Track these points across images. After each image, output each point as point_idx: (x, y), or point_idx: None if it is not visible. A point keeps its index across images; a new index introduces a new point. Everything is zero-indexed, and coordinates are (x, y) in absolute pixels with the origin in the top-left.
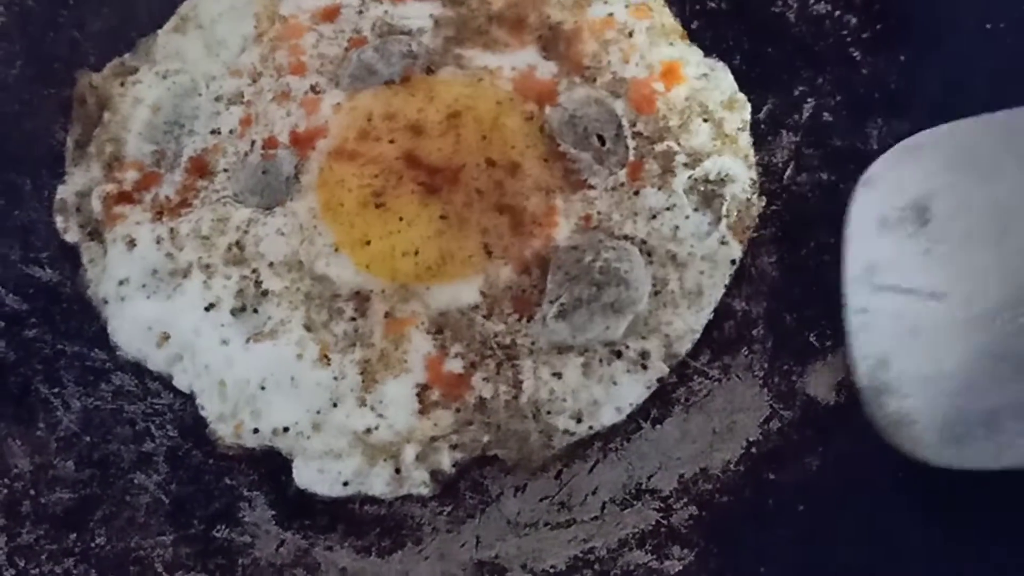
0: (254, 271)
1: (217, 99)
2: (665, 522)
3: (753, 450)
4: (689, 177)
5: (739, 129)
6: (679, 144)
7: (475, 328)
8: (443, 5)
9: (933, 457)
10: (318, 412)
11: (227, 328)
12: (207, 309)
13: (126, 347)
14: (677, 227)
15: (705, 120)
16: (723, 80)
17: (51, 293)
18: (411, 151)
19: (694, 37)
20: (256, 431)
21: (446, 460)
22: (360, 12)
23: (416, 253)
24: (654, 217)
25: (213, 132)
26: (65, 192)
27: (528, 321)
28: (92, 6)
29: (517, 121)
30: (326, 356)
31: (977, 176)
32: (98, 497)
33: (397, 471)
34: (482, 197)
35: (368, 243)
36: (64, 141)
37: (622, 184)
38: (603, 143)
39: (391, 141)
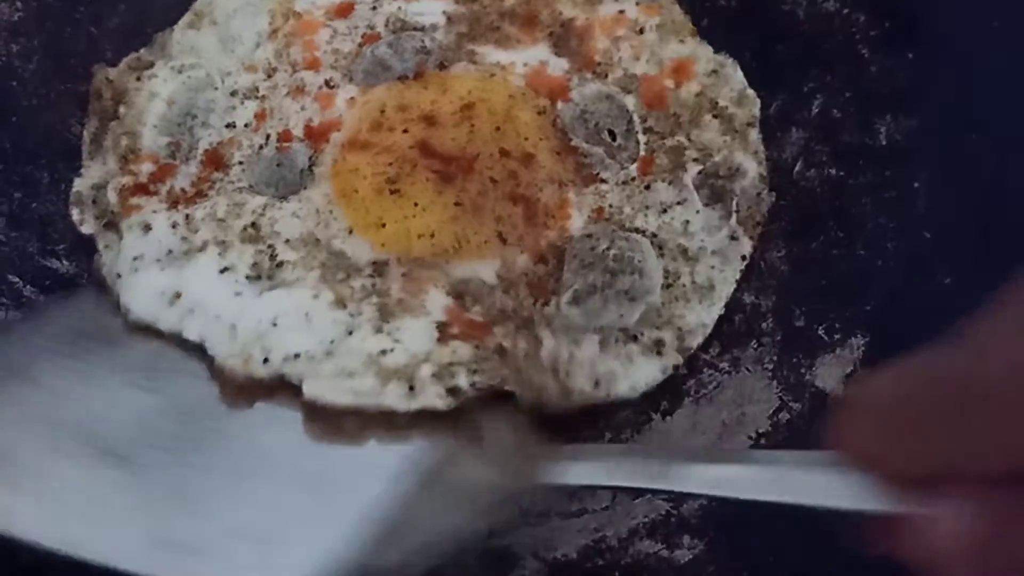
0: (270, 246)
1: (232, 94)
2: (675, 512)
3: (762, 442)
4: (699, 172)
5: (749, 124)
6: (689, 139)
7: (495, 296)
8: (456, 2)
9: None
10: (332, 342)
11: (241, 285)
12: (222, 271)
13: (137, 311)
14: (688, 221)
15: (715, 116)
16: (733, 76)
17: (68, 284)
18: (425, 140)
19: (704, 34)
20: (266, 361)
21: (464, 380)
22: (374, 8)
23: (432, 235)
24: (665, 211)
25: (228, 126)
26: (81, 185)
27: (544, 307)
28: (109, 2)
29: (530, 114)
30: (343, 302)
31: None
32: None
33: (411, 389)
34: (496, 186)
35: (384, 225)
36: (80, 135)
37: (633, 178)
38: (614, 138)
39: (405, 131)
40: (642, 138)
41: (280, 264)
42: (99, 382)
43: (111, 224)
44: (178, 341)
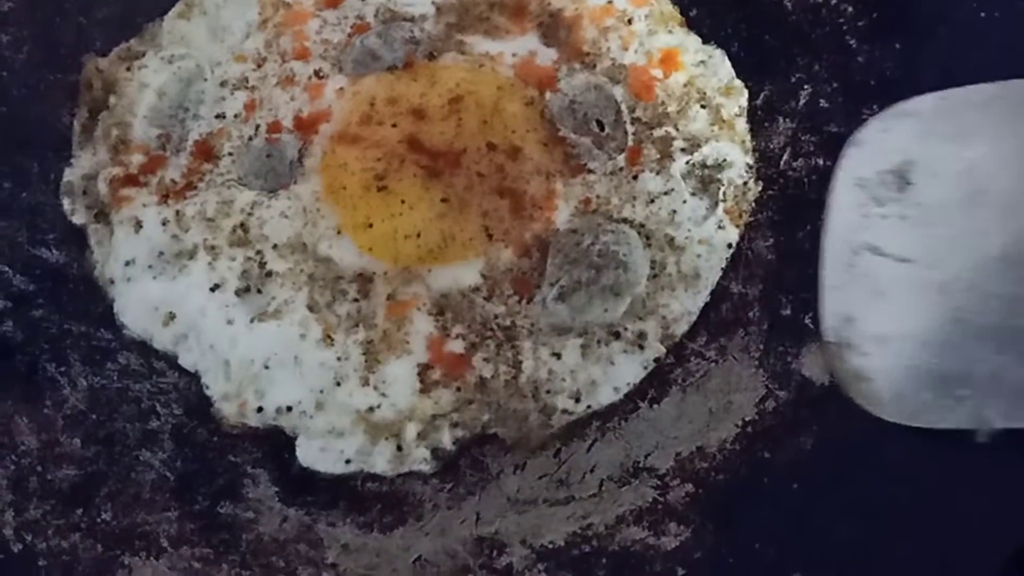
0: (258, 252)
1: (222, 84)
2: (662, 499)
3: (749, 429)
4: (687, 162)
5: (736, 115)
6: (677, 129)
7: (476, 309)
8: None
9: (884, 413)
10: (321, 391)
11: (232, 308)
12: (212, 289)
13: (132, 326)
14: (675, 211)
15: (703, 106)
16: (721, 67)
17: (58, 274)
18: (413, 135)
19: (692, 24)
20: (260, 410)
21: (447, 438)
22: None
23: (418, 236)
24: (652, 201)
25: (218, 116)
26: (72, 175)
27: (528, 303)
28: None
29: (518, 106)
30: (330, 336)
31: (957, 143)
32: (104, 474)
33: (399, 449)
34: (483, 180)
35: (370, 225)
36: (71, 125)
37: (621, 169)
38: (602, 128)
39: (394, 125)
40: (630, 128)
41: (269, 273)
42: None
43: (102, 214)
44: None
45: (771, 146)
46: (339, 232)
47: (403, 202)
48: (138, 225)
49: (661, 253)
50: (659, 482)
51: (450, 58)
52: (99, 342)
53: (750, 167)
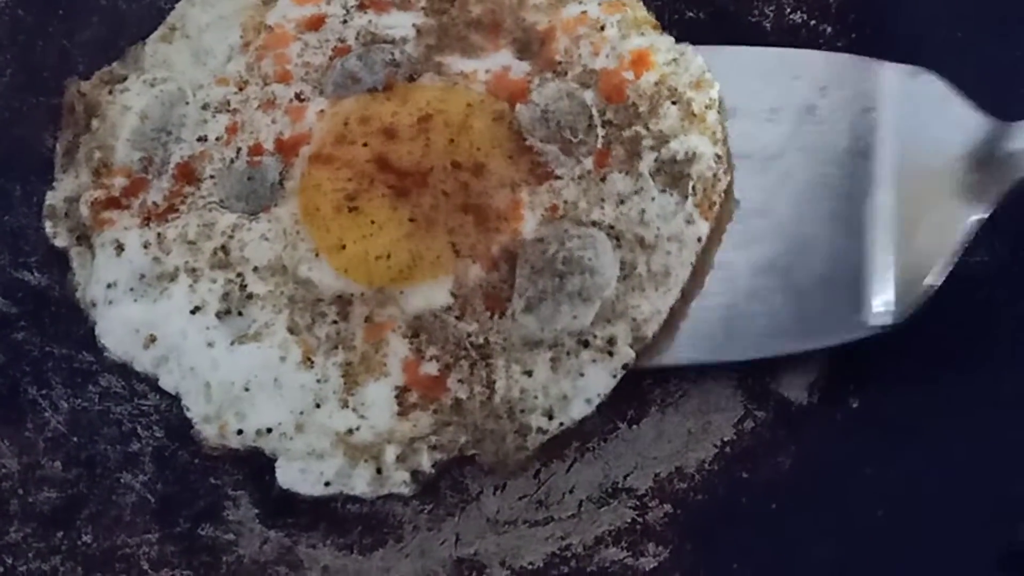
0: (239, 275)
1: (204, 107)
2: (640, 520)
3: (727, 449)
4: (655, 159)
5: (707, 107)
6: (647, 129)
7: (448, 330)
8: (425, 14)
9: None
10: (301, 413)
11: (212, 331)
12: (193, 312)
13: (113, 349)
14: (643, 210)
15: (674, 103)
16: (692, 62)
17: (40, 297)
18: (382, 155)
19: None
20: (240, 432)
21: (425, 460)
22: (344, 22)
23: (388, 257)
24: (622, 202)
25: (200, 139)
26: (54, 198)
27: (500, 317)
28: (82, 16)
29: (486, 122)
30: (309, 359)
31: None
32: (85, 496)
33: (378, 471)
34: (448, 198)
35: (343, 247)
36: (54, 148)
37: (589, 172)
38: (575, 135)
39: (364, 145)
40: (600, 131)
41: (250, 296)
42: None
43: (84, 237)
44: None
45: None
46: (317, 254)
47: (373, 222)
48: (120, 248)
49: (631, 254)
50: (638, 502)
51: (428, 79)
52: (80, 364)
53: (719, 157)
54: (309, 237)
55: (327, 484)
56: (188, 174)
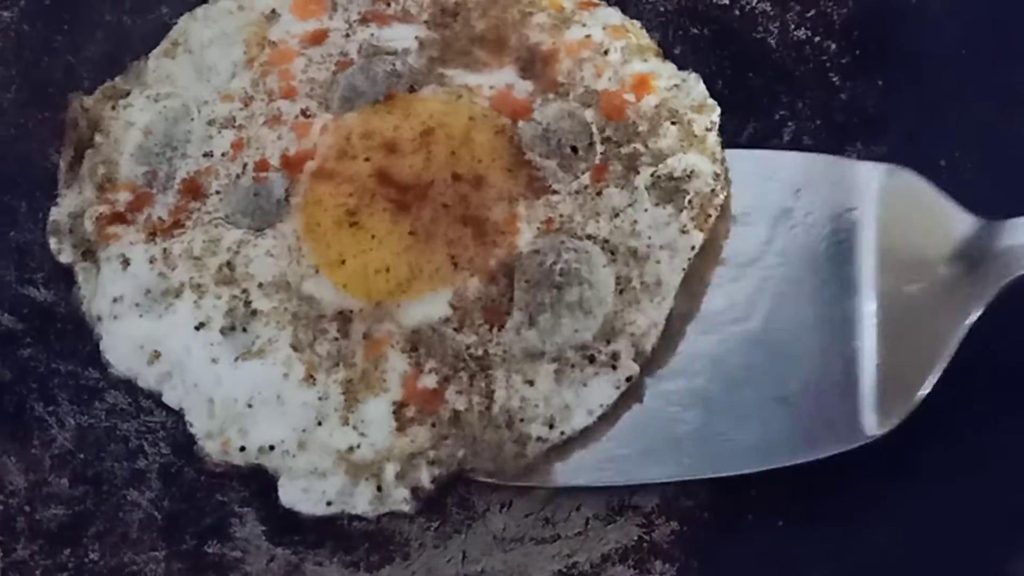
0: (244, 291)
1: (210, 123)
2: (647, 537)
3: None
4: (652, 174)
5: (707, 129)
6: (646, 146)
7: (447, 343)
8: (428, 28)
9: None
10: (303, 431)
11: (217, 347)
12: (197, 328)
13: (118, 364)
14: (636, 221)
15: (673, 123)
16: (694, 88)
17: (46, 313)
18: (384, 169)
19: (676, 61)
20: (243, 449)
21: (425, 476)
22: (347, 35)
23: (388, 270)
24: (616, 216)
25: (206, 155)
26: (58, 214)
27: (499, 330)
28: (87, 31)
29: (487, 135)
30: (312, 376)
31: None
32: (92, 513)
33: (379, 489)
34: (448, 211)
35: (343, 262)
36: (58, 163)
37: (586, 187)
38: (576, 152)
39: (366, 159)
40: (599, 147)
41: (254, 312)
42: None
43: (88, 253)
44: None
45: None
46: (317, 270)
47: (373, 237)
48: (125, 262)
49: (625, 268)
50: (644, 520)
51: (430, 91)
52: (87, 381)
53: (717, 175)
54: (310, 253)
55: (329, 503)
56: (194, 189)
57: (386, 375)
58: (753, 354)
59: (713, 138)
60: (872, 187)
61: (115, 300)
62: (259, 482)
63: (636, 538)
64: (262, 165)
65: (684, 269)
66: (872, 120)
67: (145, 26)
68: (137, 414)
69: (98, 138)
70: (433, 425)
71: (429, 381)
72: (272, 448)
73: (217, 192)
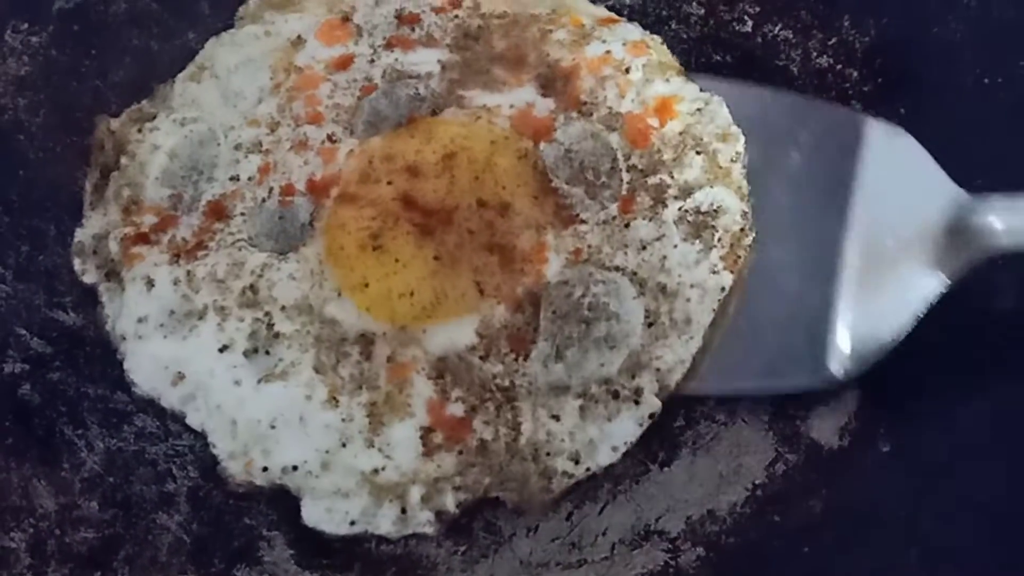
0: (267, 314)
1: (236, 147)
2: (673, 563)
3: (759, 492)
4: (680, 208)
5: (732, 160)
6: (672, 177)
7: (473, 372)
8: (451, 51)
9: None
10: (327, 452)
11: (240, 369)
12: (221, 350)
13: (142, 385)
14: (665, 256)
15: (698, 152)
16: (718, 113)
17: (74, 337)
18: (407, 193)
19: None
20: (266, 469)
21: (450, 501)
22: (372, 61)
23: (412, 294)
24: (644, 248)
25: (232, 179)
26: (83, 235)
27: (525, 359)
28: (114, 56)
29: (510, 160)
30: (335, 398)
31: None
32: (121, 537)
33: (403, 511)
34: (473, 237)
35: (367, 286)
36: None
37: (613, 217)
38: (598, 177)
39: (389, 183)
40: (625, 176)
41: (277, 335)
42: None
43: (113, 273)
44: None
45: None
46: (340, 293)
47: (397, 260)
48: (150, 283)
49: (655, 302)
50: (670, 545)
51: (450, 113)
52: (116, 405)
53: (745, 213)
54: (333, 276)
55: (352, 523)
56: (219, 211)
57: (411, 399)
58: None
59: (739, 170)
60: (873, 144)
61: (140, 321)
62: (287, 505)
63: (662, 563)
64: (288, 190)
65: (714, 310)
66: None
67: (172, 51)
68: (165, 437)
69: (124, 160)
70: (460, 452)
71: (456, 410)
72: (295, 468)
73: (242, 214)
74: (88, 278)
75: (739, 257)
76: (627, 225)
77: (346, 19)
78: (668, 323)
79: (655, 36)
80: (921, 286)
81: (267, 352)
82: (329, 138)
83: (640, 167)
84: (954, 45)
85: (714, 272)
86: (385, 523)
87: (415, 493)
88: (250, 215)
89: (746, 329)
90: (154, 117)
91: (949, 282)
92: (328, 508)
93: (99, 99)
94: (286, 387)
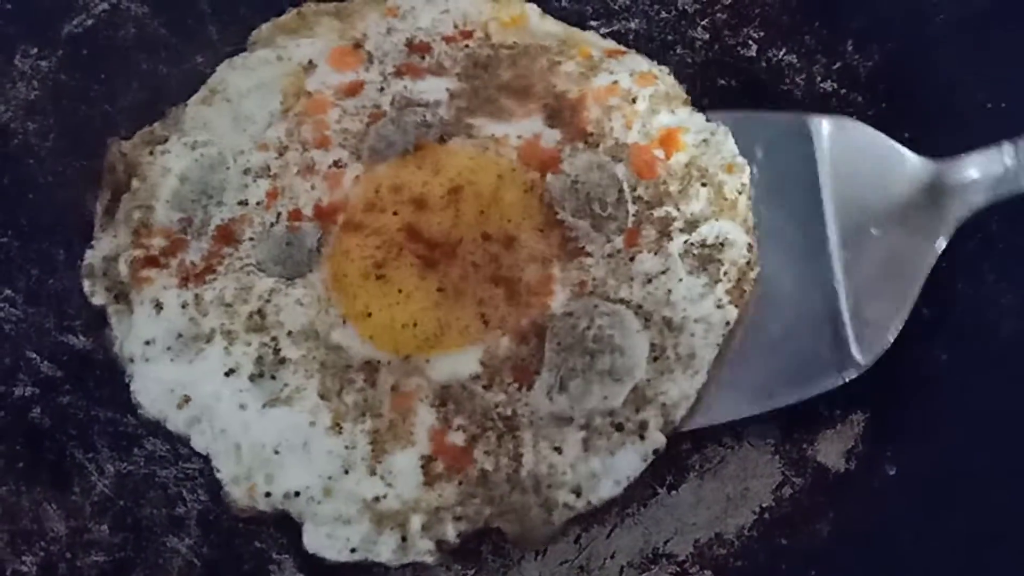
0: (273, 339)
1: (245, 172)
2: None
3: (766, 516)
4: (685, 241)
5: (738, 192)
6: (678, 209)
7: (476, 400)
8: (459, 79)
9: None
10: (329, 478)
11: (245, 393)
12: (227, 374)
13: (148, 407)
14: (670, 290)
15: (704, 184)
16: (724, 144)
17: (84, 360)
18: (412, 224)
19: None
20: (268, 495)
21: (450, 531)
22: (381, 88)
23: (415, 325)
24: (649, 281)
25: (241, 203)
26: (92, 257)
27: (528, 390)
28: (124, 80)
29: (516, 194)
30: (339, 424)
31: None
32: (132, 560)
33: (403, 539)
34: (478, 270)
35: (369, 314)
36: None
37: (619, 251)
38: (604, 208)
39: (395, 213)
40: (631, 208)
41: (283, 360)
42: None
43: (122, 295)
44: None
45: None
46: (345, 321)
47: (400, 291)
48: (159, 306)
49: (660, 336)
50: (678, 568)
51: (458, 142)
52: (126, 428)
53: (751, 246)
54: (338, 303)
55: (353, 550)
56: (228, 236)
57: (414, 428)
58: None
59: (744, 203)
60: (824, 140)
61: (147, 343)
62: (296, 529)
63: None
64: (295, 215)
65: (719, 344)
66: None
67: (180, 75)
68: (175, 460)
69: (135, 183)
70: (461, 483)
71: (457, 438)
72: (297, 494)
73: (250, 239)
74: (97, 300)
75: (744, 291)
76: (632, 258)
77: (358, 46)
78: (673, 357)
79: (663, 67)
80: (916, 257)
81: (273, 377)
82: (336, 163)
83: (646, 199)
84: (958, 71)
85: (719, 307)
86: (385, 551)
87: (416, 522)
88: (258, 240)
89: (753, 352)
90: (166, 140)
91: (939, 250)
92: (329, 534)
93: (108, 123)
94: (291, 412)
